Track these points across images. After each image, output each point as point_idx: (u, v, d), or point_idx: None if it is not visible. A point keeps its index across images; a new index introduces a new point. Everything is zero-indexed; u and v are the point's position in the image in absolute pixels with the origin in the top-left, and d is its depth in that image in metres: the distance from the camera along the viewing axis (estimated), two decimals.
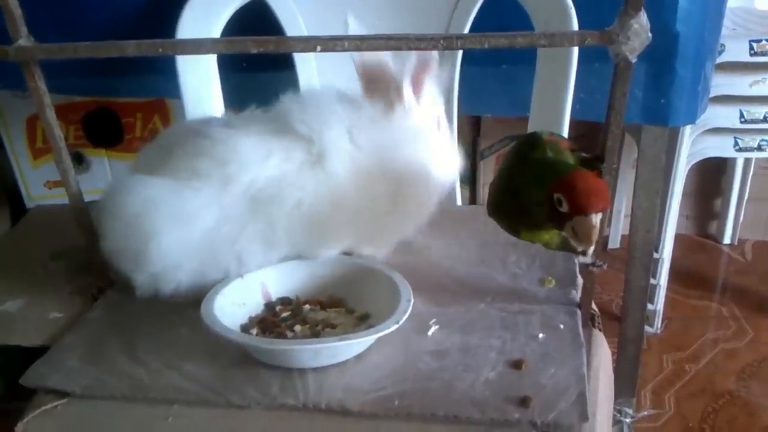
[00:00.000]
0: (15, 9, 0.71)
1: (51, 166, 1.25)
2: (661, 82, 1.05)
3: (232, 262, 0.80)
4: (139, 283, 0.81)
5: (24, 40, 0.72)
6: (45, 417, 0.68)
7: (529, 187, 0.66)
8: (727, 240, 2.06)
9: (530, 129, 1.04)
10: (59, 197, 1.25)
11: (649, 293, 1.49)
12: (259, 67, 1.12)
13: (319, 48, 0.68)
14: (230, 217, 0.79)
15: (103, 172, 1.33)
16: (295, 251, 0.83)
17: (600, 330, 0.82)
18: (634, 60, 0.64)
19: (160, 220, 0.78)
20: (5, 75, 1.01)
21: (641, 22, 0.63)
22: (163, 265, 0.79)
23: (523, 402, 0.65)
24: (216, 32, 1.04)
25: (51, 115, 0.78)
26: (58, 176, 0.82)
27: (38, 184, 1.32)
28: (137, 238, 0.78)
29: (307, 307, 0.80)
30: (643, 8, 0.63)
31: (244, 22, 1.05)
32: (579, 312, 0.79)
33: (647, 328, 1.66)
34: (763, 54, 1.43)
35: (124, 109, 1.30)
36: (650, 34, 0.64)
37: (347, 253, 0.85)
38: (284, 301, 0.81)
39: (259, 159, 0.79)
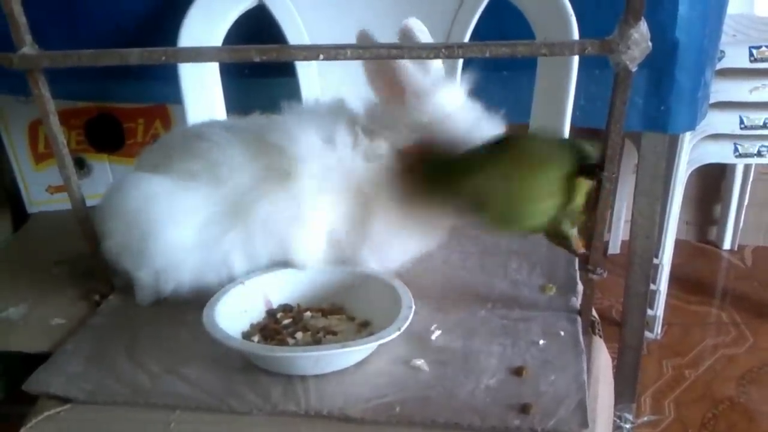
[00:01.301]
0: (19, 17, 0.72)
1: (53, 171, 1.25)
2: (660, 89, 1.05)
3: (220, 265, 0.81)
4: (141, 281, 0.82)
5: (28, 47, 0.72)
6: (48, 423, 0.68)
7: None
8: (726, 246, 2.06)
9: None
10: (61, 202, 1.25)
11: (649, 299, 1.50)
12: (260, 73, 1.13)
13: (321, 57, 0.68)
14: (217, 220, 0.80)
15: (105, 177, 1.33)
16: (275, 261, 0.83)
17: (600, 337, 0.82)
18: (634, 69, 0.65)
19: (160, 217, 0.79)
20: (8, 80, 1.02)
21: (641, 31, 0.63)
22: (163, 263, 0.80)
23: (524, 409, 0.65)
24: (218, 38, 1.04)
25: (54, 121, 0.78)
26: (60, 181, 0.83)
27: (40, 189, 1.32)
28: (138, 235, 0.80)
29: (308, 314, 0.80)
30: (643, 17, 0.63)
31: (246, 28, 1.05)
32: (579, 319, 0.79)
33: (647, 334, 1.66)
34: (762, 60, 1.44)
35: (126, 115, 1.30)
36: (650, 43, 0.64)
37: None
38: (285, 308, 0.81)
39: (244, 165, 0.80)
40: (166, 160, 0.84)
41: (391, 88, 0.82)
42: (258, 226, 0.80)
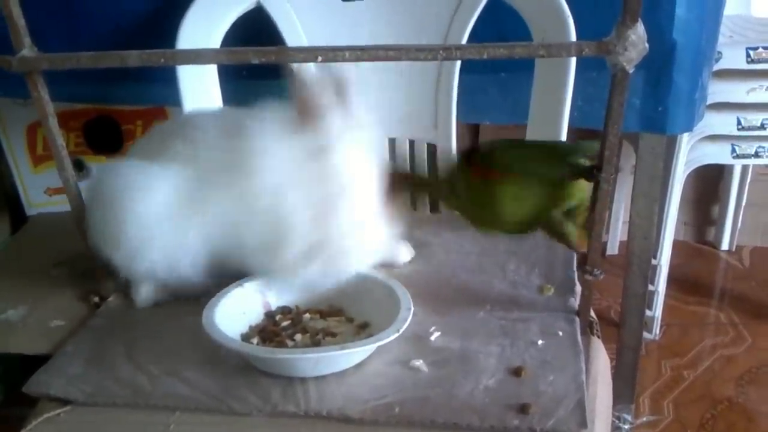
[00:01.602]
0: (18, 19, 0.72)
1: (51, 173, 1.25)
2: (658, 91, 1.05)
3: (189, 251, 0.81)
4: (117, 262, 0.82)
5: (27, 50, 0.72)
6: (48, 424, 0.69)
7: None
8: (725, 246, 2.06)
9: (528, 137, 1.05)
10: (60, 204, 1.25)
11: (648, 300, 1.50)
12: (258, 75, 1.13)
13: (319, 58, 0.68)
14: (185, 204, 0.80)
15: None
16: (229, 263, 0.81)
17: (599, 337, 0.82)
18: (631, 70, 0.65)
19: (131, 199, 0.80)
20: (6, 82, 1.02)
21: (638, 32, 0.64)
22: (135, 242, 0.80)
23: (523, 409, 0.65)
24: (216, 40, 1.04)
25: (54, 123, 0.78)
26: (58, 183, 0.83)
27: (39, 191, 1.32)
28: (112, 215, 0.81)
29: (307, 316, 0.80)
30: (640, 19, 0.63)
31: (244, 30, 1.06)
32: (577, 319, 0.80)
33: (645, 335, 1.66)
34: (759, 61, 1.44)
35: (125, 117, 1.30)
36: (647, 45, 0.64)
37: None
38: (284, 310, 0.81)
39: (215, 148, 0.79)
40: (154, 146, 0.85)
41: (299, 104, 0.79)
42: (215, 218, 0.79)
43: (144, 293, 0.86)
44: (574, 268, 0.88)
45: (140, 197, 0.80)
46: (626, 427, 1.39)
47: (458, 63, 1.07)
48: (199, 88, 1.06)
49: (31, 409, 0.72)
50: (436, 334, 0.77)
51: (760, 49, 1.43)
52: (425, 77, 1.09)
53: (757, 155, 1.56)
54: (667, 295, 1.70)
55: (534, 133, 1.04)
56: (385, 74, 1.11)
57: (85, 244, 0.85)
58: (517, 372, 0.71)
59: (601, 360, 0.80)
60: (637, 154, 1.18)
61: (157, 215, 0.80)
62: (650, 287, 1.60)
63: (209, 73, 1.07)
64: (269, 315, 0.81)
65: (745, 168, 1.93)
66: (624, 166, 1.89)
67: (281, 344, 0.75)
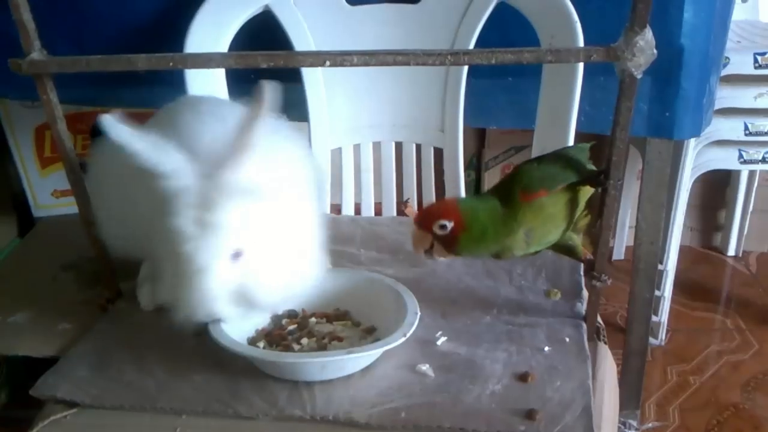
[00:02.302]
0: (29, 23, 0.72)
1: (59, 176, 1.26)
2: (665, 96, 1.05)
3: (129, 234, 0.82)
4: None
5: (37, 53, 0.73)
6: (54, 427, 0.69)
7: None
8: (731, 252, 2.05)
9: (535, 141, 1.05)
10: (66, 206, 1.26)
11: (654, 305, 1.49)
12: (266, 77, 1.13)
13: (328, 63, 0.69)
14: (128, 190, 0.79)
15: None
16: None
17: (605, 343, 0.82)
18: (639, 76, 0.65)
19: (95, 172, 0.84)
20: (14, 85, 1.02)
21: (646, 38, 0.63)
22: (104, 214, 0.82)
23: (529, 415, 0.65)
24: (225, 43, 1.04)
25: (62, 126, 0.79)
26: (65, 185, 0.84)
27: (46, 193, 1.32)
28: (89, 185, 0.83)
29: (313, 320, 0.80)
30: (648, 25, 0.63)
31: (252, 33, 1.06)
32: (584, 325, 0.79)
33: (651, 340, 1.65)
34: (767, 67, 1.44)
35: (132, 119, 1.31)
36: (655, 51, 0.64)
37: None
38: (290, 314, 0.81)
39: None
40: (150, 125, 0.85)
41: None
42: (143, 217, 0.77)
43: (146, 294, 0.86)
44: (581, 273, 0.88)
45: (100, 176, 0.83)
46: None
47: (465, 68, 1.06)
48: (207, 91, 1.07)
49: (35, 411, 0.72)
50: (443, 338, 0.77)
51: None
52: (432, 81, 1.09)
53: (764, 161, 1.55)
54: (673, 301, 1.69)
55: (541, 137, 1.04)
56: (393, 78, 1.11)
57: (92, 247, 0.85)
58: (523, 377, 0.71)
59: (608, 366, 0.80)
60: (644, 159, 1.18)
61: (109, 194, 0.82)
62: (656, 293, 1.60)
63: (217, 76, 1.07)
64: (275, 319, 0.81)
65: (752, 173, 1.93)
66: (631, 171, 1.89)
67: (287, 348, 0.75)
